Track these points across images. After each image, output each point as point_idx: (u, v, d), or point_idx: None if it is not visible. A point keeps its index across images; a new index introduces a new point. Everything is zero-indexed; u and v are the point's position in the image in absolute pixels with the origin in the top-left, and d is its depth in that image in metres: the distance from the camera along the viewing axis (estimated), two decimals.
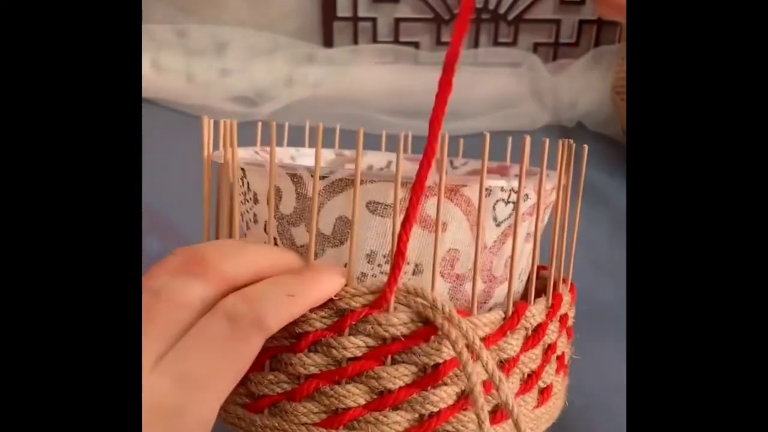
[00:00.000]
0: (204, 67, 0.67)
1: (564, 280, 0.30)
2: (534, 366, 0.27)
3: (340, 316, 0.25)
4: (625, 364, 0.20)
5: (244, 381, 0.26)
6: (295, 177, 0.26)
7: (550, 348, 0.28)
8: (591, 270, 0.48)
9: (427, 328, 0.25)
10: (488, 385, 0.25)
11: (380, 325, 0.24)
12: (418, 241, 0.25)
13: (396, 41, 0.69)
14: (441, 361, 0.25)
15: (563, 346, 0.29)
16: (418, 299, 0.25)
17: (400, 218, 0.25)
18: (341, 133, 0.37)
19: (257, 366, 0.26)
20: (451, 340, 0.24)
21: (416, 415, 0.25)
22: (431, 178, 0.24)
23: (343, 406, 0.25)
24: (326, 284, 0.24)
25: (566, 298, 0.29)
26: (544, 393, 0.28)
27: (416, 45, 0.70)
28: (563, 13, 0.69)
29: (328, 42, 0.70)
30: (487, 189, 0.26)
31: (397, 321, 0.24)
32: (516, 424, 0.24)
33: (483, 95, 0.66)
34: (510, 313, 0.26)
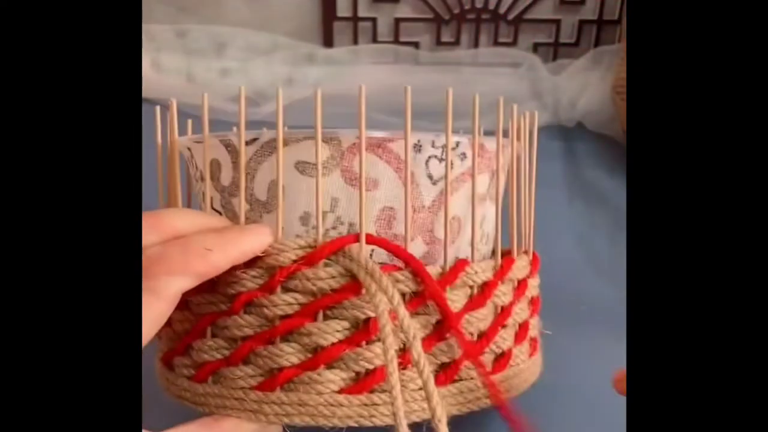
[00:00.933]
0: (204, 67, 0.67)
1: (525, 251, 0.30)
2: (483, 326, 0.26)
3: (270, 274, 0.24)
4: (625, 364, 0.20)
5: (189, 351, 0.26)
6: (229, 147, 0.26)
7: (503, 311, 0.27)
8: (591, 270, 0.48)
9: (357, 281, 0.24)
10: (430, 340, 0.25)
11: (309, 279, 0.24)
12: (349, 200, 0.25)
13: (396, 41, 0.69)
14: (372, 315, 0.24)
15: (523, 315, 0.29)
16: (343, 257, 0.24)
17: (328, 177, 0.25)
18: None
19: (200, 333, 0.26)
20: (371, 293, 0.23)
21: (351, 374, 0.24)
22: (355, 135, 0.24)
23: (277, 366, 0.24)
24: (249, 239, 0.24)
25: (521, 262, 0.28)
26: (500, 359, 0.27)
27: (416, 45, 0.70)
28: (563, 13, 0.69)
29: (328, 42, 0.70)
30: (416, 144, 0.25)
31: (326, 275, 0.24)
32: (425, 385, 0.22)
33: (483, 95, 0.65)
34: (447, 268, 0.26)
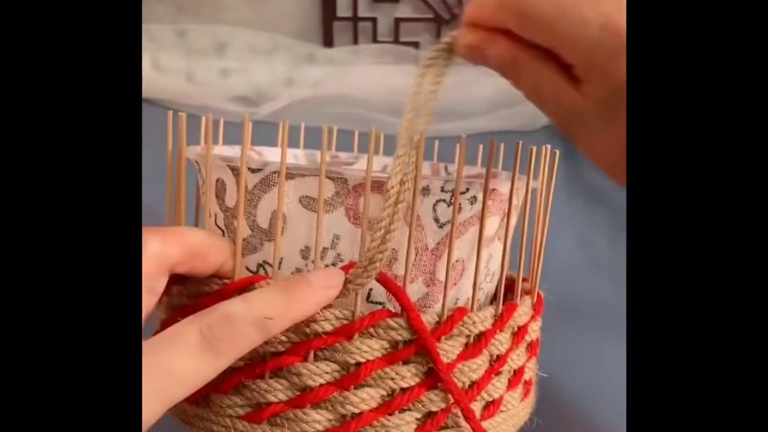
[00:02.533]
0: (204, 67, 0.67)
1: (530, 291, 0.30)
2: (475, 376, 0.26)
3: None
4: (625, 364, 0.20)
5: None
6: (235, 170, 0.26)
7: (498, 360, 0.27)
8: (591, 270, 0.48)
9: (350, 325, 0.24)
10: (420, 388, 0.25)
11: (302, 321, 0.24)
12: (351, 238, 0.25)
13: (396, 41, 0.69)
14: (363, 360, 0.24)
15: (519, 361, 0.28)
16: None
17: (332, 214, 0.25)
18: (339, 134, 0.37)
19: None
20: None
21: (337, 415, 0.24)
22: (362, 175, 0.24)
23: (265, 401, 0.24)
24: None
25: (523, 308, 0.28)
26: (490, 407, 0.27)
27: (416, 45, 0.70)
28: None
29: (328, 42, 0.70)
30: (425, 188, 0.25)
31: (320, 317, 0.24)
32: None
33: (483, 95, 0.66)
34: (445, 317, 0.25)
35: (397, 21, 0.69)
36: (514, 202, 0.28)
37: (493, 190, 0.27)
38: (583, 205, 0.55)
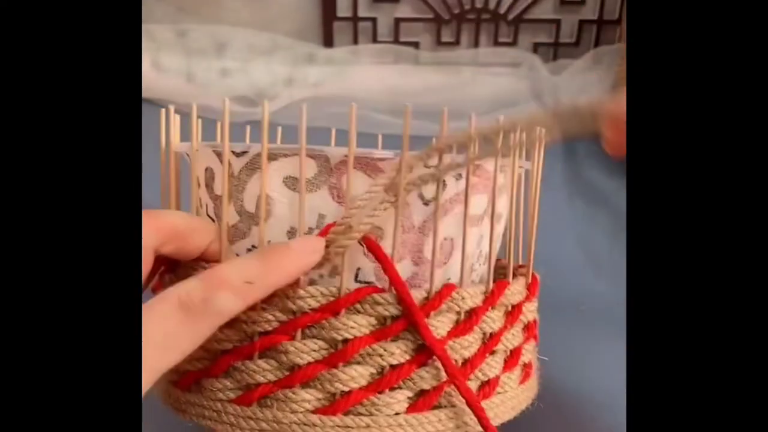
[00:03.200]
0: (204, 67, 0.67)
1: (521, 268, 0.29)
2: (468, 353, 0.26)
3: None
4: (625, 364, 0.20)
5: None
6: (221, 157, 0.26)
7: (492, 338, 0.27)
8: (591, 270, 0.48)
9: (336, 301, 0.24)
10: (410, 365, 0.24)
11: (288, 297, 0.24)
12: (336, 217, 0.25)
13: (396, 41, 0.69)
14: (350, 337, 0.24)
15: (515, 341, 0.28)
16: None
17: (316, 193, 0.24)
18: (339, 134, 0.37)
19: None
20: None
21: (326, 394, 0.24)
22: (342, 152, 0.24)
23: (254, 382, 0.24)
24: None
25: (516, 286, 0.27)
26: (485, 387, 0.26)
27: (416, 45, 0.70)
28: (563, 13, 0.69)
29: (328, 42, 0.70)
30: (409, 165, 0.25)
31: (305, 294, 0.24)
32: None
33: (483, 95, 0.66)
34: (433, 293, 0.25)
35: (397, 21, 0.69)
36: (502, 180, 0.28)
37: (478, 166, 0.26)
38: (583, 205, 0.55)
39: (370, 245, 0.24)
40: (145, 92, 0.64)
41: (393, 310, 0.24)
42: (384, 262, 0.24)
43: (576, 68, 0.67)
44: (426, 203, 0.25)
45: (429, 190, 0.25)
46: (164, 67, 0.67)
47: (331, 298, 0.24)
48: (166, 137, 0.28)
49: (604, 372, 0.35)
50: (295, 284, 0.24)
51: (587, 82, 0.65)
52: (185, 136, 0.28)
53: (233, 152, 0.25)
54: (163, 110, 0.28)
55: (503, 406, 0.27)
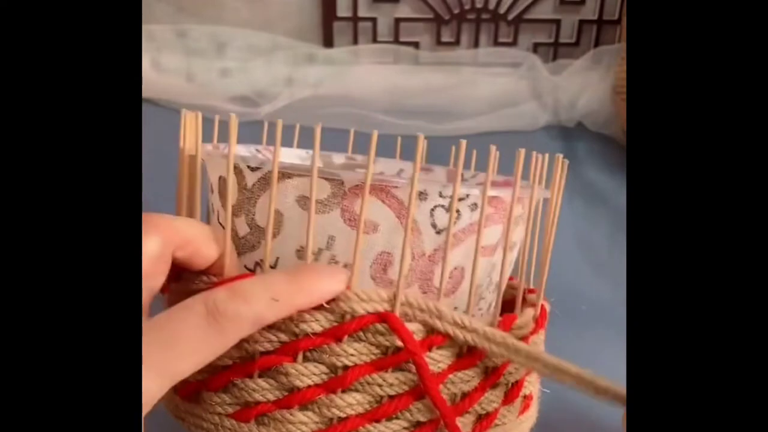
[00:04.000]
0: (204, 67, 0.67)
1: (530, 293, 0.29)
2: (467, 388, 0.26)
3: None
4: (625, 364, 0.20)
5: None
6: (236, 168, 0.26)
7: (494, 372, 0.27)
8: (591, 270, 0.48)
9: (339, 327, 0.24)
10: (408, 397, 0.24)
11: (291, 320, 0.24)
12: (346, 240, 0.25)
13: (396, 41, 0.69)
14: (350, 364, 0.24)
15: (517, 375, 0.28)
16: (421, 311, 0.24)
17: (327, 215, 0.24)
18: (339, 134, 0.37)
19: None
20: (462, 341, 0.24)
21: (324, 418, 0.24)
22: (358, 177, 0.24)
23: (253, 400, 0.24)
24: (316, 291, 0.24)
25: (523, 319, 0.28)
26: (483, 420, 0.26)
27: (416, 45, 0.70)
28: (563, 13, 0.69)
29: (328, 42, 0.70)
30: (422, 192, 0.25)
31: (309, 317, 0.24)
32: None
33: (483, 95, 0.66)
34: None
35: (397, 21, 0.69)
36: (519, 211, 0.27)
37: (495, 197, 0.26)
38: (583, 205, 0.55)
39: (395, 324, 0.24)
40: (145, 92, 0.64)
41: (397, 342, 0.24)
42: (408, 341, 0.24)
43: (576, 68, 0.67)
44: (438, 232, 0.25)
45: (442, 219, 0.25)
46: (164, 67, 0.67)
47: (335, 323, 0.24)
48: (183, 141, 0.28)
49: (604, 372, 0.35)
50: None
51: (587, 82, 0.65)
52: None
53: (248, 166, 0.25)
54: (183, 113, 0.28)
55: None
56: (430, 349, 0.25)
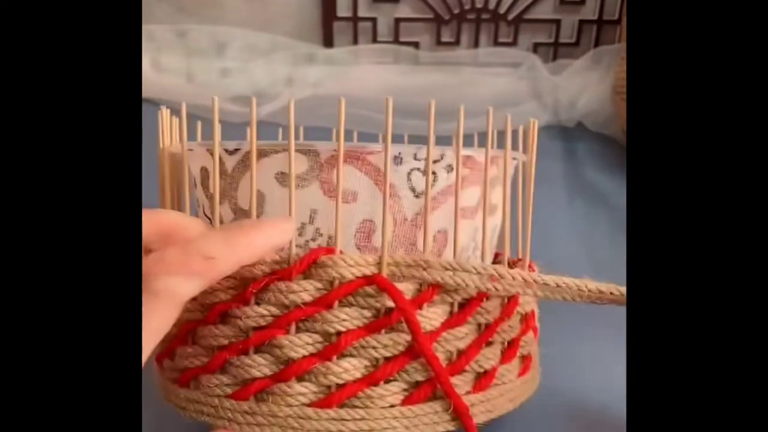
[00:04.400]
0: (204, 67, 0.67)
1: (519, 261, 0.29)
2: (462, 345, 0.26)
3: (244, 286, 0.24)
4: (625, 364, 0.20)
5: (173, 356, 0.27)
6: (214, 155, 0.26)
7: (487, 329, 0.27)
8: (591, 270, 0.48)
9: (328, 294, 0.24)
10: (403, 358, 0.24)
11: (281, 292, 0.24)
12: (328, 212, 0.25)
13: (396, 41, 0.69)
14: (343, 329, 0.24)
15: (512, 332, 0.28)
16: (409, 267, 0.24)
17: (307, 189, 0.25)
18: (348, 135, 0.37)
19: (183, 339, 0.26)
20: (461, 284, 0.24)
21: (321, 387, 0.24)
22: (332, 147, 0.24)
23: (250, 377, 0.24)
24: (256, 243, 0.23)
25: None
26: (482, 378, 0.26)
27: (416, 45, 0.70)
28: (563, 13, 0.69)
29: (328, 42, 0.70)
30: (397, 156, 0.25)
31: (299, 288, 0.24)
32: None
33: (483, 95, 0.65)
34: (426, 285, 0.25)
35: (397, 21, 0.69)
36: (495, 172, 0.27)
37: (469, 157, 0.26)
38: (583, 205, 0.55)
39: (383, 284, 0.24)
40: (145, 92, 0.64)
41: (387, 303, 0.24)
42: (398, 299, 0.24)
43: (576, 68, 0.67)
44: (417, 196, 0.25)
45: (419, 183, 0.25)
46: (164, 67, 0.67)
47: (324, 291, 0.24)
48: (161, 138, 0.29)
49: (604, 372, 0.35)
50: (288, 278, 0.24)
51: (587, 82, 0.65)
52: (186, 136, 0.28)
53: (225, 150, 0.25)
54: (160, 111, 0.28)
55: (501, 398, 0.27)
56: (420, 307, 0.25)
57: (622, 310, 0.23)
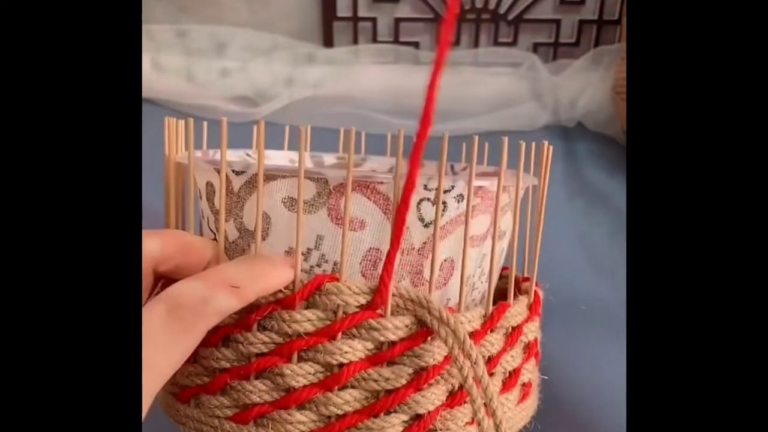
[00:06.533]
0: (204, 67, 0.67)
1: (525, 281, 0.29)
2: (515, 364, 0.26)
3: (247, 311, 0.24)
4: (625, 364, 0.20)
5: (175, 372, 0.27)
6: (221, 173, 0.26)
7: (490, 361, 0.27)
8: (591, 270, 0.48)
9: (332, 325, 0.24)
10: (406, 389, 0.24)
11: (284, 321, 0.24)
12: (334, 238, 0.25)
13: (396, 41, 0.69)
14: (345, 361, 0.24)
15: (514, 363, 0.28)
16: (412, 303, 0.24)
17: (314, 215, 0.25)
18: (347, 135, 0.37)
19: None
20: (442, 338, 0.24)
21: (321, 416, 0.24)
22: (342, 175, 0.24)
23: (250, 402, 0.24)
24: (276, 274, 0.24)
25: (517, 308, 0.28)
26: (525, 389, 0.27)
27: (416, 45, 0.70)
28: (563, 13, 0.69)
29: (328, 42, 0.70)
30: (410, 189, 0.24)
31: (301, 318, 0.24)
32: (497, 427, 0.23)
33: (483, 95, 0.66)
34: (490, 311, 0.26)
35: (397, 21, 0.69)
36: (506, 200, 0.28)
37: (480, 187, 0.26)
38: (583, 205, 0.55)
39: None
40: (145, 92, 0.64)
41: (390, 336, 0.24)
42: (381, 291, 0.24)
43: (576, 68, 0.67)
44: (426, 225, 0.26)
45: (429, 213, 0.25)
46: (164, 67, 0.67)
47: (328, 322, 0.24)
48: (168, 148, 0.28)
49: (604, 372, 0.35)
50: (290, 307, 0.24)
51: (587, 82, 0.65)
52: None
53: (233, 170, 0.25)
54: (167, 119, 0.28)
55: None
56: (425, 341, 0.25)
57: (622, 311, 0.23)
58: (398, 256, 0.25)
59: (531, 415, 0.29)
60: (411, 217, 0.25)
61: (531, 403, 0.29)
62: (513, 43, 0.69)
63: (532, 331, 0.29)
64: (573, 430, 0.33)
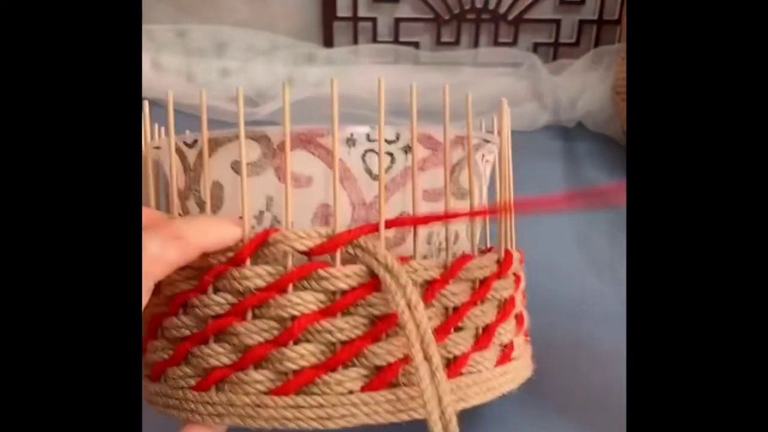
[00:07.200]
0: (204, 67, 0.67)
1: (491, 249, 0.28)
2: (487, 320, 0.25)
3: (201, 274, 0.24)
4: (625, 364, 0.20)
5: (144, 352, 0.27)
6: (178, 151, 0.26)
7: (455, 313, 0.25)
8: (591, 270, 0.48)
9: (281, 279, 0.24)
10: (363, 340, 0.23)
11: (235, 279, 0.24)
12: (284, 198, 0.24)
13: (396, 41, 0.69)
14: (297, 314, 0.23)
15: (486, 318, 0.26)
16: (360, 249, 0.23)
17: (262, 176, 0.24)
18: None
19: (151, 334, 0.26)
20: (387, 284, 0.23)
21: (278, 374, 0.24)
22: (283, 131, 0.24)
23: (210, 366, 0.24)
24: (219, 232, 0.24)
25: (481, 261, 0.26)
26: (451, 365, 0.25)
27: (416, 45, 0.70)
28: (563, 13, 0.69)
29: (328, 42, 0.70)
30: (349, 138, 0.24)
31: (251, 273, 0.24)
32: (438, 384, 0.22)
33: (483, 95, 0.65)
34: (450, 263, 0.25)
35: (397, 21, 0.69)
36: (461, 154, 0.27)
37: (429, 138, 0.25)
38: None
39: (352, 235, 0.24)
40: (145, 92, 0.64)
41: (340, 284, 0.24)
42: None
43: (576, 68, 0.67)
44: (374, 178, 0.25)
45: (376, 164, 0.24)
46: (164, 67, 0.67)
47: (277, 276, 0.24)
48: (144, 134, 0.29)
49: (604, 372, 0.35)
50: (241, 264, 0.24)
51: (587, 82, 0.65)
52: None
53: (185, 143, 0.25)
54: (145, 102, 0.28)
55: (476, 387, 0.26)
56: (380, 289, 0.24)
57: (622, 311, 0.23)
58: (349, 210, 0.24)
59: (516, 382, 0.28)
60: (357, 169, 0.25)
61: (515, 368, 0.28)
62: (513, 43, 0.69)
63: (505, 288, 0.27)
64: (573, 428, 0.33)
